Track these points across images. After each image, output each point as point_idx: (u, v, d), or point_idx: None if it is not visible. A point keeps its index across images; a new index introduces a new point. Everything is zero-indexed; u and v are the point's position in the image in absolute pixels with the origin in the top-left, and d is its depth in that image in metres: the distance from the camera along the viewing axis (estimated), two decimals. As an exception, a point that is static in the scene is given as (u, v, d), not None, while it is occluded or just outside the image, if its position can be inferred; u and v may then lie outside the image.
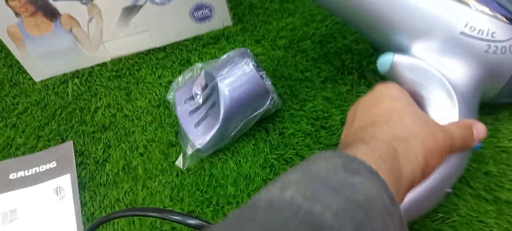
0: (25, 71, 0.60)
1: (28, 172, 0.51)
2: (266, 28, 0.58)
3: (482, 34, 0.41)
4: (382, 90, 0.35)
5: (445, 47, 0.42)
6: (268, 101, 0.47)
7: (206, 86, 0.48)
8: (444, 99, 0.41)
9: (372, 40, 0.49)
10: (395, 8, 0.42)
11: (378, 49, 0.46)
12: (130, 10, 0.54)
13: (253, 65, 0.46)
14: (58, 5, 0.52)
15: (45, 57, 0.57)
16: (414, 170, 0.29)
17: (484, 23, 0.40)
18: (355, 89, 0.50)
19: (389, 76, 0.43)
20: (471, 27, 0.40)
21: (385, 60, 0.43)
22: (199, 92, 0.49)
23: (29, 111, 0.56)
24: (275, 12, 0.59)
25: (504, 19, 0.41)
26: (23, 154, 0.53)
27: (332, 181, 0.24)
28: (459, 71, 0.42)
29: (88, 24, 0.54)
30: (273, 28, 0.57)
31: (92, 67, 0.59)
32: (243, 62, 0.46)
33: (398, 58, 0.42)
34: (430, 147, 0.30)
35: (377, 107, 0.32)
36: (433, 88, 0.41)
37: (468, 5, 0.41)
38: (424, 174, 0.30)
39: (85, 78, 0.58)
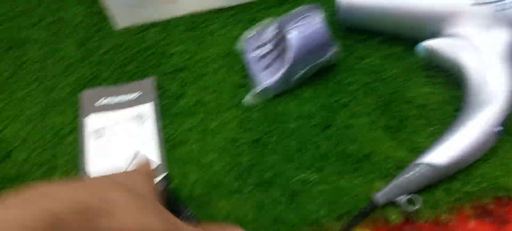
0: (107, 19, 0.67)
1: (114, 99, 0.58)
2: (327, -5, 0.64)
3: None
4: None
5: (465, 21, 0.49)
6: (331, 52, 0.53)
7: (276, 35, 0.55)
8: (477, 64, 0.47)
9: (407, 38, 0.56)
10: (417, 12, 0.52)
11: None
12: (210, -32, 0.61)
13: (321, 18, 0.52)
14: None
15: (129, 6, 0.64)
16: None
17: None
18: (409, 51, 0.56)
19: (429, 59, 0.51)
20: None
21: (420, 48, 0.51)
22: (269, 40, 0.55)
23: (112, 52, 0.64)
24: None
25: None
26: (108, 85, 0.60)
27: None
28: (484, 36, 0.48)
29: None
30: (333, -4, 0.64)
31: (169, 19, 0.66)
32: (312, 15, 0.52)
33: (429, 43, 0.50)
34: None
35: None
36: (466, 58, 0.48)
37: None
38: None
39: (162, 28, 0.65)
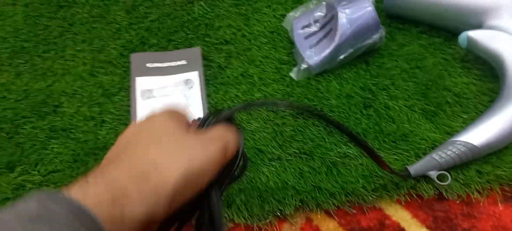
0: (156, -11, 0.70)
1: (162, 64, 0.60)
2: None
3: None
4: (147, 122, 0.34)
5: (506, 14, 0.52)
6: (377, 35, 0.56)
7: (325, 15, 0.58)
8: None
9: (448, 29, 0.59)
10: (460, 3, 0.55)
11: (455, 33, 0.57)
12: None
13: (371, 2, 0.55)
14: None
15: (180, -22, 0.67)
16: (151, 206, 0.28)
17: None
18: (447, 42, 0.58)
19: (470, 49, 0.53)
20: None
21: (463, 37, 0.53)
22: (316, 20, 0.58)
23: (160, 20, 0.67)
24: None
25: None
26: (156, 51, 0.63)
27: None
28: None
29: (224, -45, 0.64)
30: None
31: (215, -6, 0.69)
32: (362, -1, 0.55)
33: (472, 33, 0.53)
34: (183, 175, 0.29)
35: (127, 139, 0.33)
36: (504, 45, 0.51)
37: None
38: (172, 205, 0.29)
39: (209, 2, 0.68)
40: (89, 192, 0.27)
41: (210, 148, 0.32)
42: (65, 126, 0.57)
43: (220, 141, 0.33)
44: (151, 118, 0.34)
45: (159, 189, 0.29)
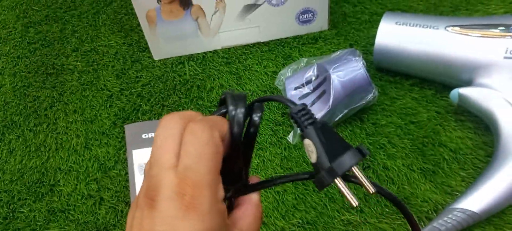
0: (144, 50, 0.70)
1: (157, 133, 0.60)
2: (358, 35, 0.67)
3: None
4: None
5: (496, 73, 0.53)
6: (370, 95, 0.56)
7: (317, 76, 0.58)
8: (508, 115, 0.51)
9: (438, 83, 0.60)
10: (451, 60, 0.55)
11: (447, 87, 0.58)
12: (250, 8, 0.64)
13: (363, 63, 0.55)
14: (193, -3, 0.62)
15: (169, 39, 0.66)
16: None
17: None
18: (439, 94, 0.59)
19: (461, 105, 0.54)
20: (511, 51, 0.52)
21: (454, 94, 0.54)
22: (309, 81, 0.58)
23: (152, 84, 0.66)
24: (366, 22, 0.69)
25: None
26: (150, 119, 0.62)
27: None
28: None
29: (212, 16, 0.64)
30: (364, 35, 0.67)
31: (205, 52, 0.69)
32: (354, 60, 0.55)
33: (463, 90, 0.54)
34: None
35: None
36: (496, 105, 0.52)
37: (503, 36, 0.52)
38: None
39: (199, 61, 0.68)
40: None
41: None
42: (63, 207, 0.57)
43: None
44: None
45: None
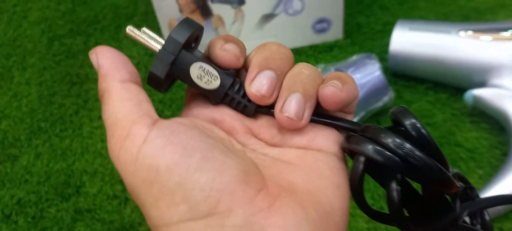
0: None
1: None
2: (373, 43, 0.69)
3: None
4: None
5: (508, 72, 0.55)
6: (387, 98, 0.58)
7: (335, 81, 0.60)
8: None
9: (452, 86, 0.62)
10: (464, 63, 0.57)
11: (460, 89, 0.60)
12: (267, 18, 0.67)
13: (379, 66, 0.57)
14: (213, 7, 0.65)
15: (190, 49, 0.69)
16: None
17: None
18: (454, 97, 0.61)
19: (475, 106, 0.56)
20: None
21: (468, 95, 0.56)
22: (327, 86, 0.60)
23: (173, 91, 0.69)
24: (379, 31, 0.71)
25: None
26: (172, 123, 0.65)
27: None
28: None
29: (231, 26, 0.67)
30: (378, 44, 0.69)
31: (224, 61, 0.71)
32: (370, 63, 0.58)
33: (477, 91, 0.55)
34: None
35: None
36: (509, 104, 0.54)
37: None
38: None
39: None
40: None
41: None
42: (89, 207, 0.58)
43: None
44: None
45: None
